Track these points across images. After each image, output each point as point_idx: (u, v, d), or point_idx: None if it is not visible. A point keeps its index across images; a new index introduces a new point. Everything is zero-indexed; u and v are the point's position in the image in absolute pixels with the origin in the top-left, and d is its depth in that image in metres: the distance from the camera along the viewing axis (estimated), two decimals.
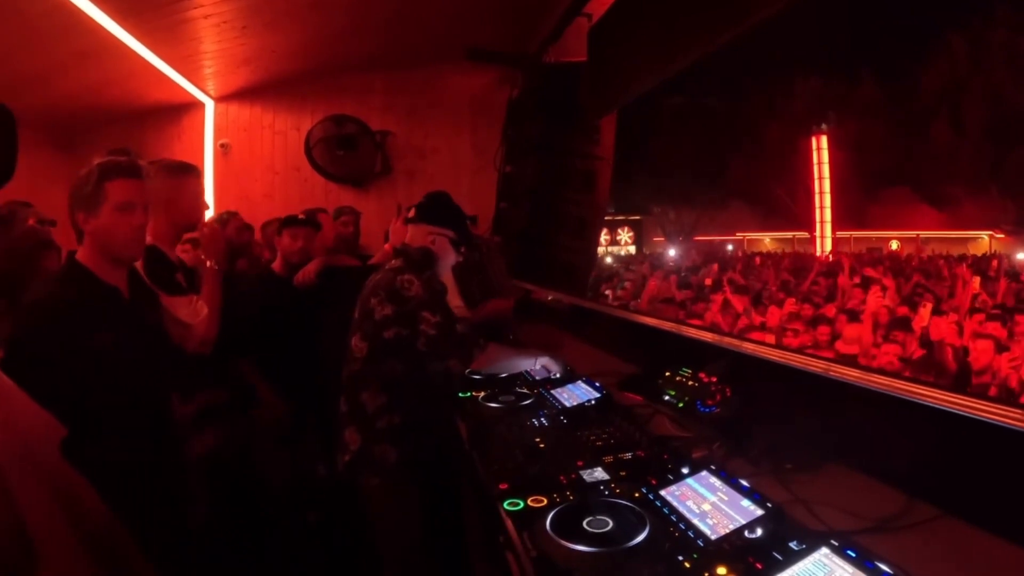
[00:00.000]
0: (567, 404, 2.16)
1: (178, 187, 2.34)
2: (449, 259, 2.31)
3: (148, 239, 2.21)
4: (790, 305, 5.77)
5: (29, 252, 2.19)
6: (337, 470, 2.19)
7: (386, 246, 3.24)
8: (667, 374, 2.10)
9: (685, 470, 1.50)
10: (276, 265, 3.17)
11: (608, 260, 18.26)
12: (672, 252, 25.58)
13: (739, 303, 6.23)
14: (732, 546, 1.17)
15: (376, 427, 2.09)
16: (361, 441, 2.11)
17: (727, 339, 2.13)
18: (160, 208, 2.28)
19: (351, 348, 2.18)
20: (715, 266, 12.19)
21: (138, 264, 2.07)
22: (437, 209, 2.31)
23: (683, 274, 10.26)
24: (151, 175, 2.21)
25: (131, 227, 1.72)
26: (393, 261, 2.23)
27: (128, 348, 1.68)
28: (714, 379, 1.92)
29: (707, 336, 2.21)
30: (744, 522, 1.22)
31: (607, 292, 8.69)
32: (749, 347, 1.97)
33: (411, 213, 2.96)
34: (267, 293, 3.08)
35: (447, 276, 2.38)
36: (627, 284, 8.86)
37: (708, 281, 9.84)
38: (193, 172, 2.42)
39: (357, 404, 2.12)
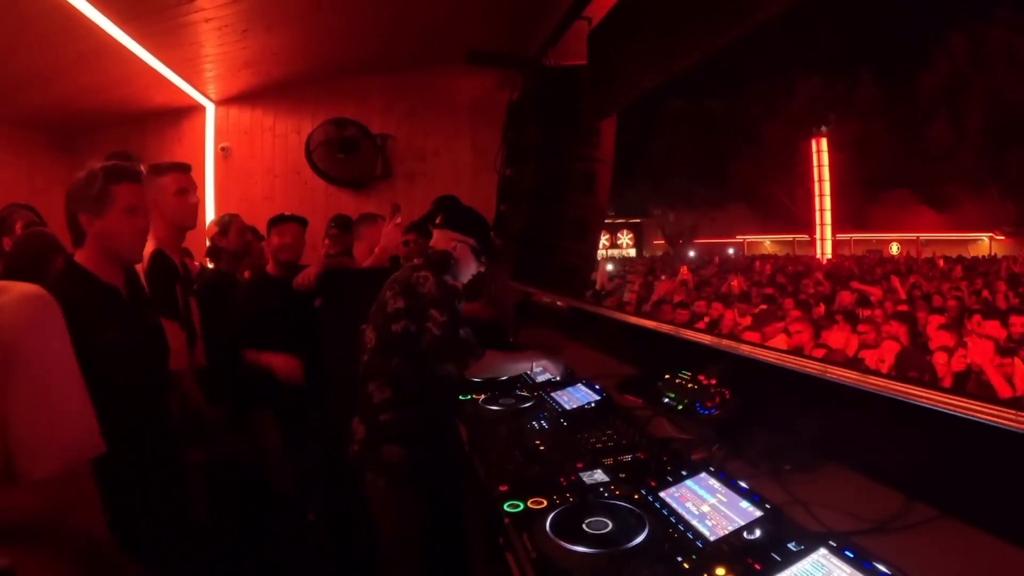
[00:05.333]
0: (567, 407, 2.17)
1: (162, 186, 2.36)
2: (470, 267, 2.34)
3: (153, 244, 2.23)
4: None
5: (35, 255, 2.20)
6: (345, 459, 2.22)
7: (376, 249, 3.22)
8: (666, 376, 2.10)
9: (684, 472, 1.50)
10: (269, 268, 3.18)
11: (609, 267, 18.22)
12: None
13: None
14: (731, 547, 1.18)
15: (379, 420, 2.12)
16: (365, 431, 2.14)
17: (726, 341, 2.14)
18: (154, 211, 2.30)
19: (364, 339, 2.22)
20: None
21: (140, 269, 2.08)
22: (462, 217, 2.37)
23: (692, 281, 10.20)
24: (149, 177, 2.24)
25: (135, 230, 1.77)
26: (415, 260, 2.29)
27: (128, 346, 1.69)
28: (713, 381, 1.92)
29: (706, 338, 2.21)
30: (743, 523, 1.22)
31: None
32: (747, 349, 1.97)
33: (398, 219, 2.98)
34: (263, 297, 3.07)
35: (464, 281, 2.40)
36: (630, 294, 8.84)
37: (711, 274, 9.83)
38: (174, 169, 2.44)
39: (365, 394, 2.16)
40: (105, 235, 1.71)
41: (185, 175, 2.46)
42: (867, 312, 6.22)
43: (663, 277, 11.34)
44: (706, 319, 6.27)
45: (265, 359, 2.87)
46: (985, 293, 7.89)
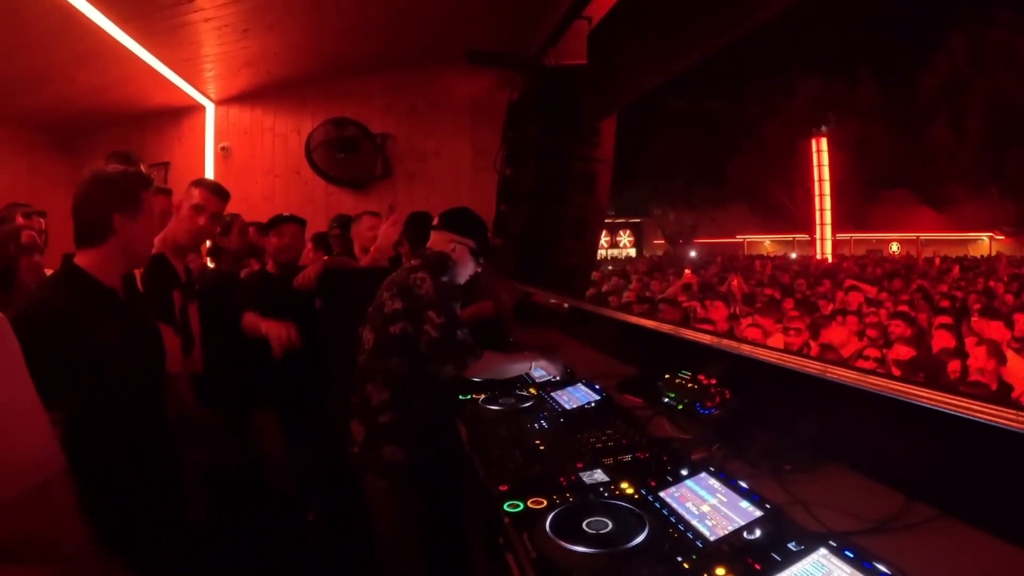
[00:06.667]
0: (567, 406, 2.17)
1: (189, 195, 2.41)
2: (467, 267, 2.34)
3: (157, 247, 2.23)
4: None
5: (8, 241, 2.21)
6: (345, 460, 2.22)
7: (372, 249, 3.22)
8: (666, 376, 2.10)
9: (684, 472, 1.50)
10: (269, 267, 3.18)
11: (609, 268, 18.23)
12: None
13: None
14: (731, 547, 1.18)
15: (378, 421, 2.11)
16: (365, 433, 2.14)
17: (726, 341, 2.14)
18: (174, 216, 2.35)
19: (361, 340, 2.22)
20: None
21: (137, 271, 2.08)
22: (460, 219, 2.37)
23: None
24: (192, 186, 2.37)
25: (152, 238, 1.85)
26: (412, 261, 2.28)
27: (127, 348, 1.68)
28: (713, 381, 1.92)
29: (706, 338, 2.21)
30: (743, 523, 1.22)
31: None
32: (747, 349, 1.97)
33: (394, 218, 2.97)
34: (264, 294, 3.08)
35: (462, 283, 2.40)
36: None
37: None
38: (207, 187, 2.45)
39: (363, 396, 2.16)
40: (132, 239, 1.71)
41: (214, 197, 2.44)
42: (869, 309, 6.25)
43: (671, 275, 11.32)
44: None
45: (264, 327, 2.79)
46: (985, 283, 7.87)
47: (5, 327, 1.14)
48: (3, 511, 1.05)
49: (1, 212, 3.02)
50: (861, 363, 4.10)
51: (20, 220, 2.73)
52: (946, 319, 5.36)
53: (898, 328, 4.86)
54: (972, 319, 5.81)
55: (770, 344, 4.27)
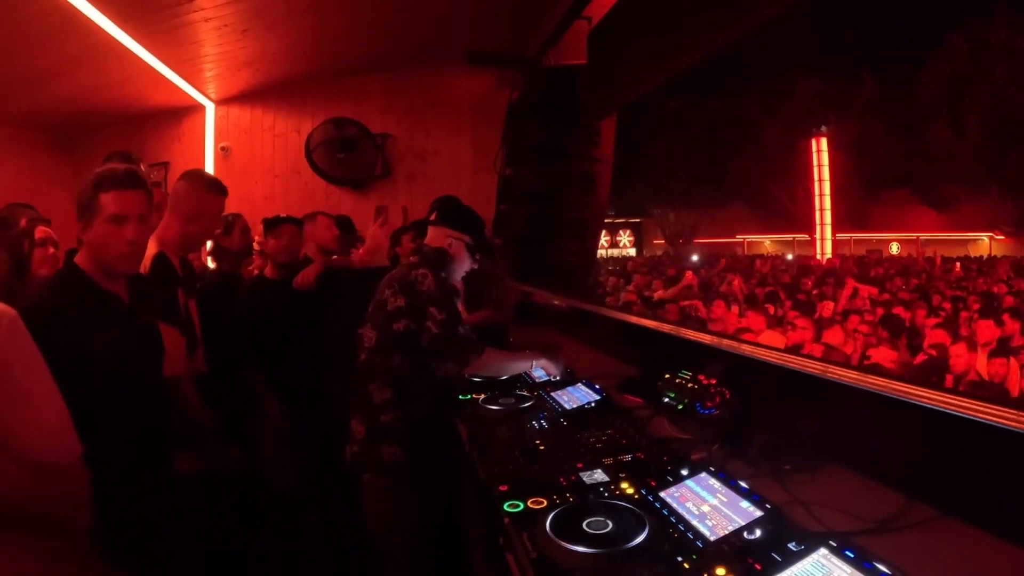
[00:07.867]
0: (567, 406, 2.17)
1: (204, 201, 2.36)
2: (464, 264, 2.33)
3: (156, 246, 2.21)
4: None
5: (23, 238, 2.22)
6: (344, 460, 2.21)
7: (360, 251, 3.21)
8: (666, 376, 2.10)
9: (684, 472, 1.50)
10: (268, 270, 3.17)
11: (609, 268, 18.23)
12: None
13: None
14: (731, 547, 1.18)
15: (380, 420, 2.10)
16: (365, 432, 2.13)
17: (726, 341, 2.14)
18: (173, 211, 2.30)
19: (361, 338, 2.21)
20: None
21: (143, 269, 2.07)
22: (457, 214, 2.36)
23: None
24: (188, 182, 2.28)
25: (123, 241, 1.63)
26: (411, 258, 2.28)
27: (122, 350, 1.67)
28: (713, 381, 1.92)
29: (706, 338, 2.21)
30: (743, 523, 1.22)
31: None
32: (748, 349, 1.97)
33: (383, 220, 2.96)
34: (263, 299, 3.07)
35: (458, 279, 2.39)
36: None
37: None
38: (217, 189, 2.42)
39: (364, 394, 2.15)
40: (93, 244, 1.64)
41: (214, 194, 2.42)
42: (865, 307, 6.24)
43: (670, 274, 11.33)
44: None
45: None
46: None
47: (18, 323, 1.21)
48: (40, 469, 1.17)
49: (1, 212, 3.02)
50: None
51: (24, 223, 2.74)
52: (940, 319, 5.36)
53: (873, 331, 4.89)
54: (974, 320, 5.80)
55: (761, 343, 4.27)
